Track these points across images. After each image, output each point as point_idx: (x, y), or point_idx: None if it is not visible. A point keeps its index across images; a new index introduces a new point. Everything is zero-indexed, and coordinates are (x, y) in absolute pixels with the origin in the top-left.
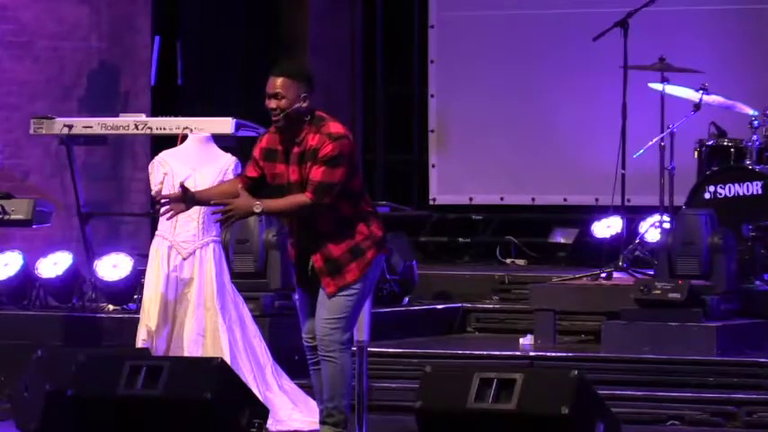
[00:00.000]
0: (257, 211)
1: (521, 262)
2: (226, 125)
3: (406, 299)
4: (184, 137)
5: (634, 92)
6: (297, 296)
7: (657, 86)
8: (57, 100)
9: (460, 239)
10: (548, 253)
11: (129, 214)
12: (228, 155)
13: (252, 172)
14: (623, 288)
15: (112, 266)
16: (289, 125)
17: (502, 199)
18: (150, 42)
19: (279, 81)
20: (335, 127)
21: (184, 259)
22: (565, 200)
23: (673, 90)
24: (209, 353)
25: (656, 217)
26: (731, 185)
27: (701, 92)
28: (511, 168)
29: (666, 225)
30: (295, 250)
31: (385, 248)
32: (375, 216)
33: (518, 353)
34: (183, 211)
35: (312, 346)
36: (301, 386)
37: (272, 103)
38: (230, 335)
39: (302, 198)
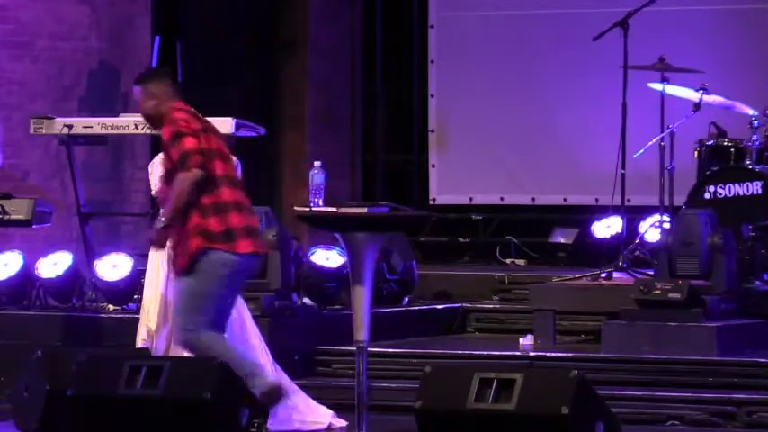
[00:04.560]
0: (161, 226)
1: (521, 262)
2: (226, 125)
3: (406, 299)
4: None
5: (634, 92)
6: None
7: (657, 86)
8: (57, 100)
9: (460, 239)
10: (548, 253)
11: (129, 214)
12: None
13: None
14: (623, 288)
15: (112, 266)
16: (153, 125)
17: (502, 199)
18: (150, 42)
19: (135, 91)
20: (174, 113)
21: None
22: (565, 200)
23: (673, 90)
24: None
25: (656, 217)
26: (731, 185)
27: (701, 92)
28: (511, 168)
29: (666, 225)
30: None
31: (233, 245)
32: (221, 209)
33: (518, 353)
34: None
35: None
36: (301, 386)
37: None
38: (230, 335)
39: (178, 179)
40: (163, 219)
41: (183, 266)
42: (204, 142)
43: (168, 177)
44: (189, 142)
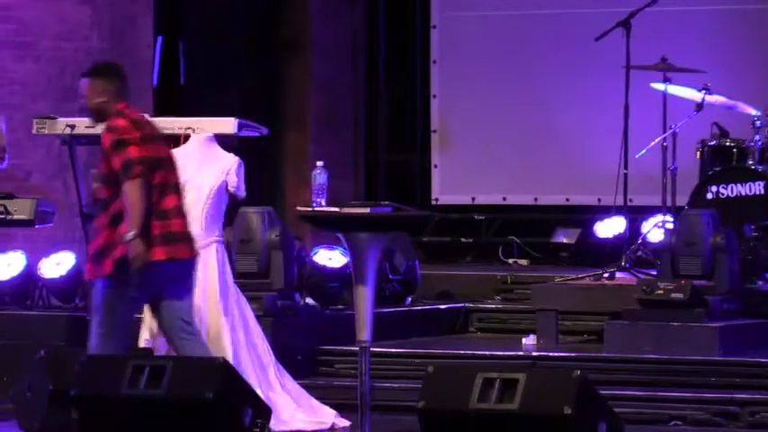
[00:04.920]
0: (131, 238)
1: (523, 262)
2: (228, 125)
3: (409, 299)
4: (187, 137)
5: (636, 92)
6: None
7: (660, 86)
8: (59, 100)
9: (463, 239)
10: (550, 253)
11: None
12: (231, 155)
13: None
14: (626, 288)
15: None
16: (95, 120)
17: (504, 199)
18: (152, 42)
19: (83, 83)
20: (116, 120)
21: None
22: (567, 200)
23: (675, 90)
24: (212, 353)
25: (659, 217)
26: (733, 185)
27: (704, 92)
28: (513, 168)
29: (669, 225)
30: None
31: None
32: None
33: (520, 353)
34: None
35: None
36: (304, 386)
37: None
38: (233, 335)
39: (124, 188)
40: (131, 232)
41: (111, 271)
42: (145, 151)
43: (108, 181)
44: (131, 152)
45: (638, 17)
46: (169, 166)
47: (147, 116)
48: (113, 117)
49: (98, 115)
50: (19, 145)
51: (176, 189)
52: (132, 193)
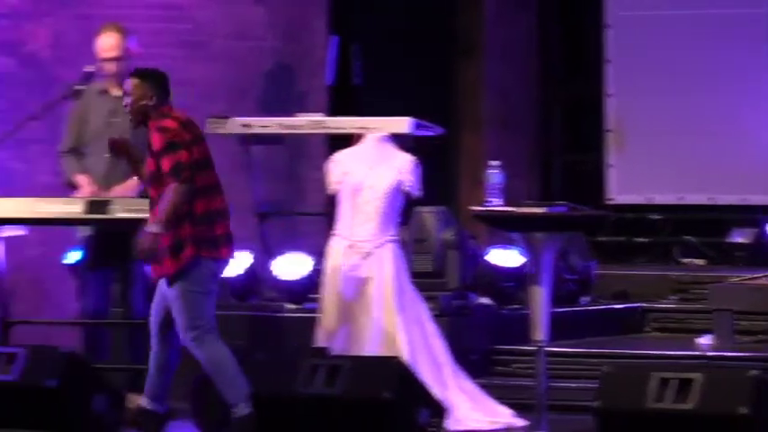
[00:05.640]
0: (155, 230)
1: (699, 262)
2: (403, 125)
3: (584, 299)
4: (360, 136)
5: None
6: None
7: None
8: (233, 100)
9: (638, 239)
10: (725, 253)
11: (305, 214)
12: (406, 155)
13: None
14: None
15: (290, 266)
16: (136, 121)
17: (680, 198)
18: (326, 42)
19: (128, 83)
20: (165, 121)
21: (363, 258)
22: (744, 199)
23: None
24: (388, 352)
25: None
26: None
27: None
28: (689, 168)
29: None
30: None
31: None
32: (210, 218)
33: (696, 353)
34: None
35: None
36: (480, 386)
37: (124, 100)
38: (409, 334)
39: (171, 187)
40: (155, 226)
41: (173, 273)
42: (195, 153)
43: (156, 181)
44: (182, 155)
45: None
46: (212, 166)
47: (187, 115)
48: (159, 118)
49: (140, 116)
50: None
51: (221, 189)
52: (177, 195)
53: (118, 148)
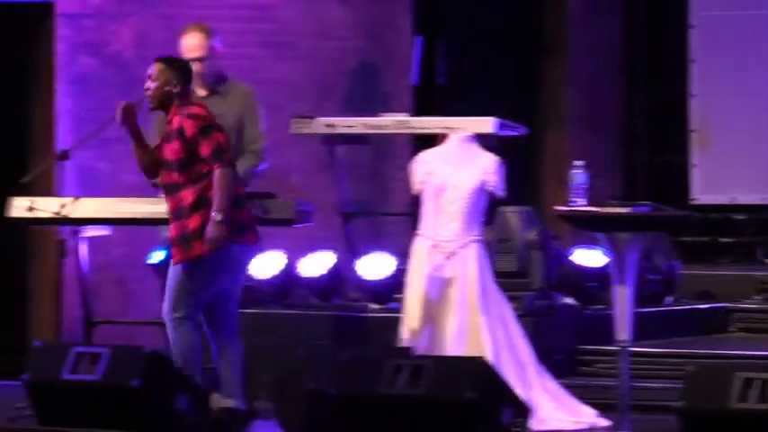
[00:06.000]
0: (219, 219)
1: None
2: (487, 125)
3: (669, 299)
4: (444, 136)
5: None
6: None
7: None
8: (317, 99)
9: (722, 239)
10: None
11: (390, 213)
12: (490, 155)
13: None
14: None
15: (374, 265)
16: (155, 105)
17: (764, 199)
18: (411, 41)
19: (154, 67)
20: (193, 108)
21: (446, 258)
22: None
23: None
24: (472, 352)
25: None
26: None
27: None
28: None
29: None
30: None
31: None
32: (241, 202)
33: None
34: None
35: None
36: (563, 386)
37: (146, 84)
38: (493, 334)
39: (218, 173)
40: (219, 214)
41: (198, 255)
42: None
43: (183, 166)
44: (220, 137)
45: None
46: None
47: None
48: (185, 105)
49: (161, 102)
50: (279, 145)
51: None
52: (225, 177)
53: (126, 113)
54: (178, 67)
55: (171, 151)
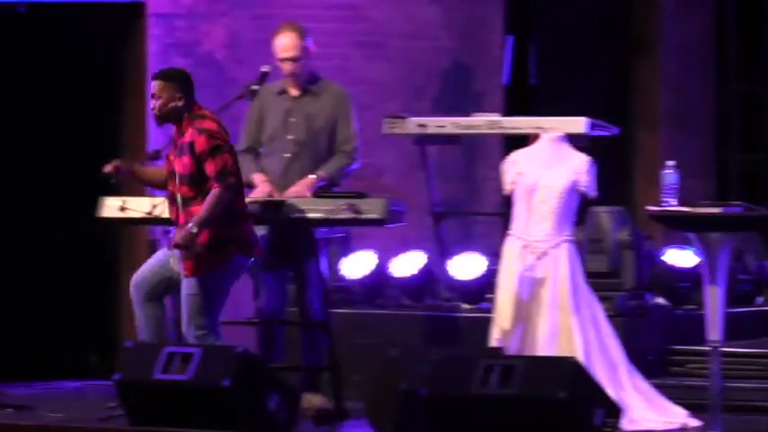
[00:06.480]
0: (193, 231)
1: None
2: (579, 125)
3: (760, 299)
4: (536, 136)
5: None
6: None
7: None
8: (409, 99)
9: None
10: None
11: (481, 213)
12: (582, 155)
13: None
14: None
15: (466, 266)
16: (163, 122)
17: None
18: (503, 41)
19: (154, 84)
20: (206, 123)
21: (538, 258)
22: None
23: None
24: (563, 352)
25: None
26: None
27: None
28: None
29: None
30: None
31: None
32: (246, 217)
33: None
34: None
35: None
36: (655, 386)
37: (151, 104)
38: (584, 335)
39: (214, 192)
40: (196, 227)
41: (206, 268)
42: (234, 153)
43: (193, 181)
44: (227, 159)
45: None
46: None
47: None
48: (197, 119)
49: (169, 118)
50: (370, 144)
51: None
52: (220, 200)
53: (119, 173)
54: (177, 79)
55: (182, 166)
